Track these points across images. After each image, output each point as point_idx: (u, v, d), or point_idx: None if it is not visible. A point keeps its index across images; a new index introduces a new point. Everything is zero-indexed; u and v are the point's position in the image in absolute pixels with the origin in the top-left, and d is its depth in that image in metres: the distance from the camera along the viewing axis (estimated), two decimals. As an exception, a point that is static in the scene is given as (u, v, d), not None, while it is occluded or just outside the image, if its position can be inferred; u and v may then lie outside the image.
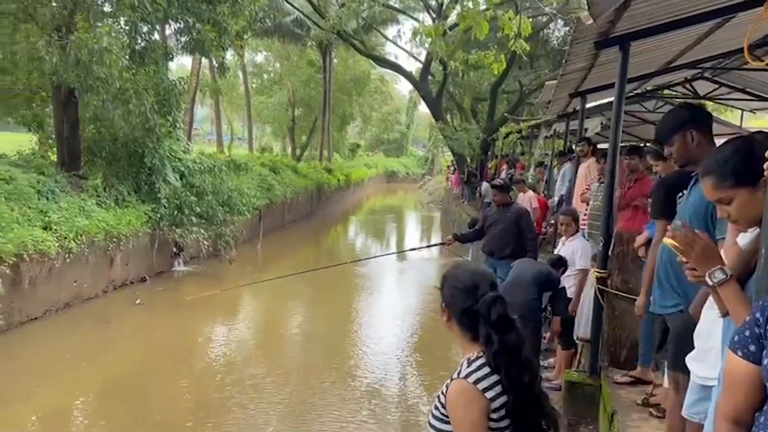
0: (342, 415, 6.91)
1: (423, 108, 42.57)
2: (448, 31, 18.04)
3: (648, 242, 4.38)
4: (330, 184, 30.21)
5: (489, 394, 1.90)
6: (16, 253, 8.89)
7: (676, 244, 1.85)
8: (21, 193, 10.03)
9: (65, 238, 10.12)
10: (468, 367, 1.95)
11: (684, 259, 1.89)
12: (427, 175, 54.37)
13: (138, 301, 11.37)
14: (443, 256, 15.40)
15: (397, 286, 14.25)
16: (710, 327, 2.38)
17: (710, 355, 2.37)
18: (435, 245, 10.06)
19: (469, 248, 13.82)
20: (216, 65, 17.08)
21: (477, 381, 1.91)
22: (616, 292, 4.87)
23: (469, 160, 27.24)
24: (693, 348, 2.67)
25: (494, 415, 1.91)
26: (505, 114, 24.83)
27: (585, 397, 4.71)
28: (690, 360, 2.58)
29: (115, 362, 8.82)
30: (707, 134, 3.15)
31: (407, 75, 28.35)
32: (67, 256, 10.15)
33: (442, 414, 1.96)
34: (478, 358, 1.97)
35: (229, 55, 22.15)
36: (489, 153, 25.94)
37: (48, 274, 9.80)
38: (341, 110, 38.39)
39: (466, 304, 2.00)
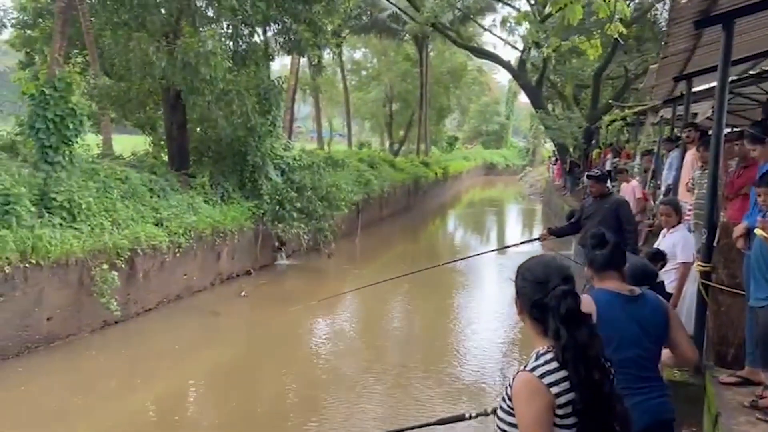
0: (438, 413, 6.92)
1: (523, 98, 41.65)
2: (537, 16, 17.48)
3: (748, 233, 4.11)
4: (427, 177, 30.20)
5: (555, 390, 1.85)
6: (131, 248, 9.53)
7: (766, 235, 1.69)
8: (135, 191, 10.73)
9: (175, 233, 10.73)
10: (535, 360, 1.92)
11: None
12: (527, 166, 53.12)
13: (243, 294, 11.86)
14: (545, 250, 15.03)
15: (494, 282, 14.05)
16: None
17: None
18: (529, 241, 9.79)
19: (571, 241, 13.41)
20: (314, 64, 17.49)
21: (543, 375, 1.87)
22: (722, 286, 4.56)
23: (571, 149, 26.38)
24: None
25: (560, 411, 1.86)
26: (610, 101, 23.86)
27: (688, 397, 4.44)
28: None
29: (223, 352, 9.26)
30: None
31: (505, 64, 27.82)
32: (177, 250, 10.75)
33: (509, 406, 1.94)
34: (547, 352, 1.92)
35: (327, 54, 22.65)
36: (593, 142, 25.01)
37: (160, 267, 10.42)
38: (438, 103, 38.26)
39: (536, 297, 1.97)
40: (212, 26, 13.56)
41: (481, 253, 11.76)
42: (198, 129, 14.30)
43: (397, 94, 36.10)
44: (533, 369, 1.90)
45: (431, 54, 34.41)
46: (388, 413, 6.83)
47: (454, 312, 11.36)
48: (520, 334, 9.45)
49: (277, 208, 13.93)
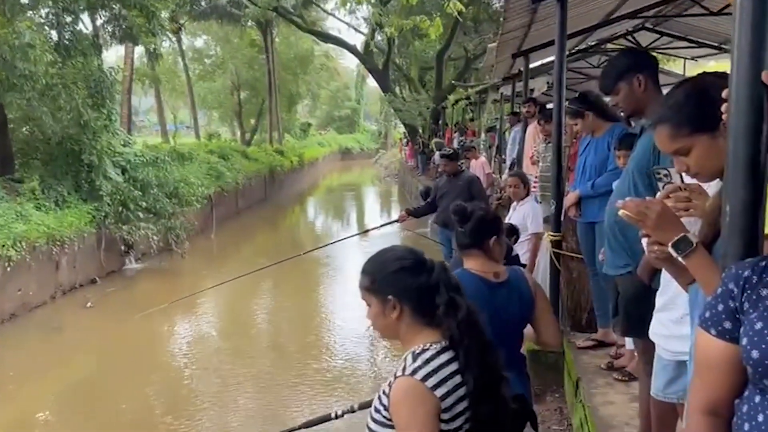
0: (314, 401, 6.75)
1: (372, 82, 42.11)
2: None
3: (579, 201, 4.30)
4: (283, 166, 29.70)
5: (440, 392, 1.67)
6: (-52, 267, 8.40)
7: (630, 215, 1.63)
8: (-51, 202, 9.46)
9: (3, 246, 9.60)
10: (413, 362, 1.71)
11: (644, 232, 1.67)
12: (381, 149, 54.04)
13: (89, 304, 10.95)
14: (403, 230, 15.25)
15: (358, 268, 14.05)
16: (677, 297, 2.22)
17: (682, 327, 2.20)
18: (389, 223, 9.82)
19: (428, 221, 13.68)
20: (150, 52, 16.42)
21: (425, 377, 1.67)
22: (572, 254, 4.75)
23: (421, 130, 27.09)
24: (642, 312, 2.52)
25: (445, 416, 1.69)
26: (453, 81, 24.71)
27: (548, 364, 4.59)
28: (658, 336, 2.41)
29: (73, 370, 8.49)
30: (654, 80, 2.95)
31: (351, 49, 27.94)
32: (7, 264, 9.65)
33: (384, 417, 1.72)
34: (424, 350, 1.73)
35: (165, 42, 21.43)
36: (440, 122, 25.81)
37: (-12, 285, 9.31)
38: (288, 90, 37.70)
39: (421, 281, 1.79)
40: (29, 15, 12.24)
41: (343, 239, 11.63)
42: (24, 129, 12.92)
43: (245, 81, 35.09)
44: (414, 372, 1.69)
45: (276, 40, 33.76)
46: (257, 418, 6.55)
47: (319, 303, 11.23)
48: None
49: (120, 209, 12.95)
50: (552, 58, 9.31)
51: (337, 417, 2.86)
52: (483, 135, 15.69)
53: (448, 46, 23.33)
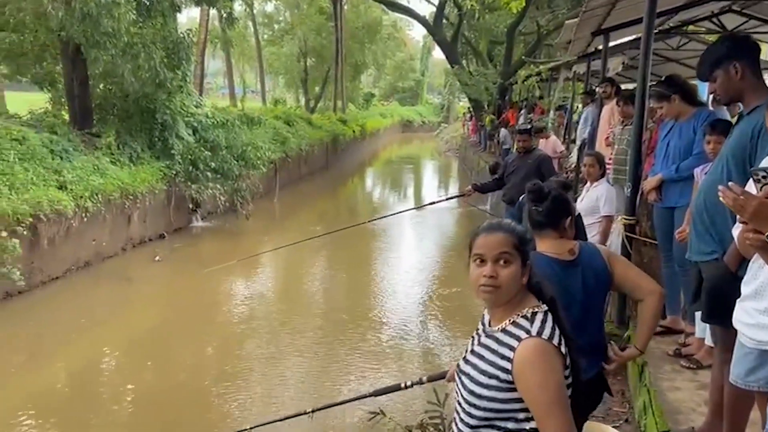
0: (364, 367, 6.88)
1: (438, 54, 41.71)
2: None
3: (660, 186, 4.21)
4: (345, 135, 29.88)
5: (563, 349, 1.75)
6: (32, 214, 8.85)
7: (731, 203, 1.62)
8: (34, 153, 9.93)
9: (81, 197, 10.06)
10: (534, 323, 1.74)
11: (741, 219, 1.66)
12: (443, 123, 53.65)
13: (157, 258, 11.38)
14: (461, 206, 15.22)
15: (416, 239, 14.13)
16: (766, 287, 2.19)
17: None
18: (454, 197, 9.79)
19: (487, 198, 13.59)
20: (224, 16, 16.64)
21: (551, 336, 1.72)
22: (645, 239, 4.68)
23: (486, 105, 26.73)
24: (726, 300, 2.49)
25: (565, 372, 1.76)
26: (523, 57, 24.19)
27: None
28: (742, 324, 2.38)
29: (138, 320, 8.87)
30: (754, 68, 2.85)
31: (421, 19, 27.65)
32: (84, 215, 10.11)
33: (503, 380, 1.72)
34: (535, 313, 1.78)
35: (238, 6, 21.69)
36: (506, 98, 25.40)
37: (66, 233, 9.78)
38: (354, 59, 37.75)
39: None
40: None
41: (402, 211, 11.69)
42: (102, 85, 13.37)
43: (312, 48, 35.26)
44: (539, 333, 1.71)
45: (345, 8, 33.73)
46: (314, 384, 6.70)
47: (373, 273, 11.29)
48: (446, 294, 9.53)
49: (191, 168, 13.34)
50: (630, 37, 9.05)
51: (406, 387, 2.94)
52: (552, 113, 15.37)
53: (521, 20, 22.82)
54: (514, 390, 1.71)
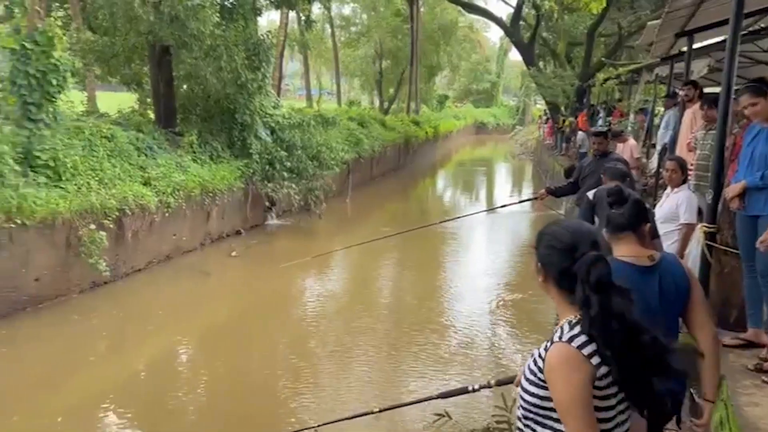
0: (430, 370, 6.90)
1: (514, 55, 41.16)
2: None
3: (743, 193, 4.03)
4: (418, 136, 29.93)
5: (594, 360, 1.72)
6: (118, 208, 9.35)
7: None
8: (122, 150, 10.47)
9: (164, 193, 10.54)
10: (570, 330, 1.78)
11: None
12: (518, 125, 52.83)
13: (233, 254, 11.75)
14: (535, 210, 14.99)
15: (487, 242, 14.02)
16: None
17: None
18: (527, 200, 9.65)
19: (562, 201, 13.34)
20: (303, 19, 17.01)
21: (581, 345, 1.73)
22: (726, 248, 4.49)
23: (563, 108, 26.18)
24: None
25: (600, 383, 1.74)
26: (602, 59, 23.56)
27: (690, 360, 4.40)
28: None
29: (214, 312, 9.19)
30: None
31: (497, 21, 27.38)
32: (166, 210, 10.57)
33: (540, 379, 1.79)
34: (580, 320, 1.79)
35: (317, 8, 22.11)
36: (584, 100, 24.81)
37: (149, 227, 10.25)
38: (429, 61, 37.72)
39: (564, 265, 1.82)
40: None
41: (475, 213, 11.65)
42: (185, 86, 13.93)
43: (387, 50, 35.47)
44: (570, 339, 1.75)
45: (422, 10, 33.75)
46: (381, 384, 6.77)
47: (442, 275, 11.28)
48: (516, 299, 9.42)
49: (267, 167, 13.72)
50: (716, 39, 8.67)
51: (474, 390, 2.94)
52: (632, 116, 14.91)
53: (601, 21, 22.24)
54: (546, 389, 1.78)
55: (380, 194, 21.01)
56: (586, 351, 1.72)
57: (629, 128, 12.84)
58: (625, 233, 2.55)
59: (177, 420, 5.95)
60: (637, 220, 2.55)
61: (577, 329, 1.77)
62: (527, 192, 22.46)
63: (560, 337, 1.77)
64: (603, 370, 1.73)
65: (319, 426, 3.62)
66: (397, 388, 6.57)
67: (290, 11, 17.26)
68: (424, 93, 38.94)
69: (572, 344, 1.74)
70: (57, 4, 14.80)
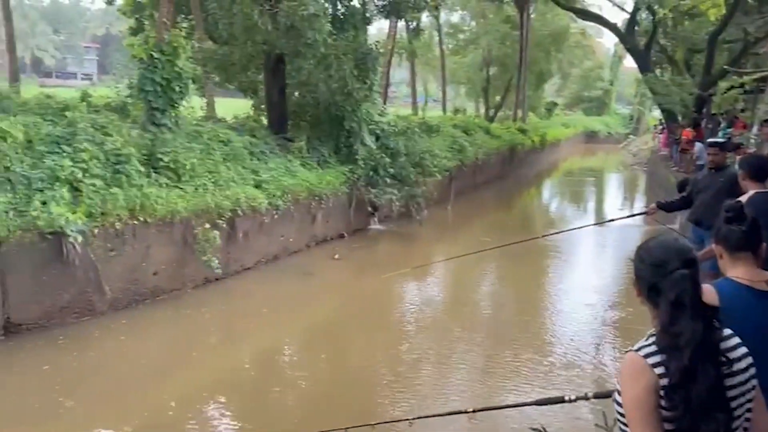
0: (526, 380, 6.79)
1: (629, 62, 39.57)
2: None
3: None
4: (524, 144, 29.42)
5: (658, 370, 1.77)
6: (231, 209, 9.86)
7: None
8: (236, 153, 11.05)
9: (273, 195, 11.00)
10: (645, 340, 1.87)
11: None
12: (631, 134, 50.70)
13: (336, 256, 12.05)
14: (647, 224, 14.34)
15: (592, 256, 13.56)
16: None
17: None
18: (636, 215, 9.26)
19: (676, 216, 12.69)
20: (411, 27, 17.23)
21: (648, 355, 1.81)
22: None
23: (680, 118, 24.88)
24: None
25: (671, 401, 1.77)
26: (725, 66, 22.21)
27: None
28: None
29: (316, 313, 9.48)
30: None
31: (612, 27, 26.43)
32: (275, 212, 11.03)
33: (618, 392, 1.89)
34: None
35: (425, 17, 22.30)
36: (704, 110, 23.47)
37: (259, 228, 10.73)
38: (538, 68, 37.06)
39: (653, 280, 1.88)
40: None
41: (582, 227, 11.29)
42: (297, 93, 14.49)
43: (495, 58, 35.16)
44: (639, 349, 1.84)
45: (532, 16, 33.21)
46: (478, 390, 6.74)
47: (544, 290, 11.01)
48: (620, 316, 9.09)
49: (371, 173, 13.99)
50: None
51: (570, 401, 2.92)
52: (755, 128, 13.98)
53: (725, 27, 20.95)
54: None
55: (482, 203, 20.84)
56: (651, 360, 1.79)
57: (752, 141, 12.05)
58: (743, 253, 2.44)
59: (278, 411, 6.20)
60: (758, 240, 2.43)
61: (651, 340, 1.86)
62: (639, 205, 21.52)
63: (633, 347, 1.87)
64: (665, 381, 1.77)
65: (413, 419, 3.67)
66: (493, 394, 6.54)
67: (399, 20, 17.53)
68: (531, 100, 38.29)
69: (639, 353, 1.82)
70: (182, 15, 15.80)
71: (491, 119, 33.39)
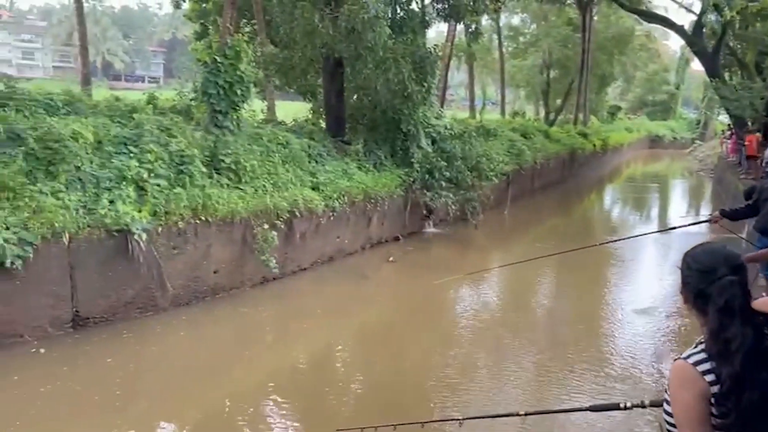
0: (585, 395, 6.68)
1: (696, 65, 38.30)
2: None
3: None
4: (584, 149, 28.86)
5: (709, 378, 1.78)
6: (289, 210, 10.05)
7: None
8: (294, 156, 11.25)
9: (330, 197, 11.16)
10: (693, 348, 1.88)
11: None
12: (697, 140, 49.05)
13: (391, 259, 12.11)
14: (713, 232, 13.84)
15: (654, 265, 13.19)
16: None
17: None
18: (699, 222, 8.94)
19: (744, 223, 12.21)
20: (470, 30, 17.17)
21: (698, 362, 1.81)
22: None
23: (750, 123, 23.93)
24: None
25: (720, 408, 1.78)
26: (799, 69, 21.27)
27: None
28: None
29: (370, 314, 9.57)
30: None
31: (678, 29, 25.66)
32: (331, 214, 11.18)
33: (667, 401, 1.90)
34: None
35: (485, 20, 22.16)
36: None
37: (315, 229, 10.90)
38: (600, 71, 36.34)
39: (701, 287, 1.89)
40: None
41: (643, 234, 10.99)
42: (355, 97, 14.64)
43: (556, 60, 34.65)
44: (688, 356, 1.85)
45: (595, 18, 32.56)
46: (529, 396, 6.66)
47: (607, 296, 10.77)
48: (680, 325, 8.82)
49: (427, 176, 13.99)
50: None
51: (625, 408, 2.89)
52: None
53: (800, 28, 20.09)
54: None
55: (540, 208, 20.56)
56: (701, 368, 1.80)
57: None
58: None
59: (331, 410, 6.28)
60: None
61: (700, 347, 1.87)
62: (704, 213, 20.78)
63: (681, 355, 1.88)
64: (716, 388, 1.77)
65: (463, 419, 3.68)
66: (543, 404, 6.44)
67: (458, 24, 17.49)
68: (593, 104, 37.58)
69: (689, 360, 1.83)
70: (245, 20, 16.20)
71: (551, 123, 32.89)
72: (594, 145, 30.55)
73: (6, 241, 6.56)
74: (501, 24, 33.57)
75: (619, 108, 48.50)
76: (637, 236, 11.04)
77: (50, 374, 6.53)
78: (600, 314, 9.67)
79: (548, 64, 34.86)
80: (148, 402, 6.26)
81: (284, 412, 6.25)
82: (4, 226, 6.68)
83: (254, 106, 12.71)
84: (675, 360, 1.88)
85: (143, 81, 73.28)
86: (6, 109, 8.35)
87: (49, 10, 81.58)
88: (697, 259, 1.94)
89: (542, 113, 37.15)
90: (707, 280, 1.86)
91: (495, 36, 33.85)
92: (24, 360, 6.74)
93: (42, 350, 6.96)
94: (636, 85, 56.83)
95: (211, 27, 17.60)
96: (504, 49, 34.53)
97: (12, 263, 6.59)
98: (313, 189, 11.03)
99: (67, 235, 7.23)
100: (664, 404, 1.92)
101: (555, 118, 34.86)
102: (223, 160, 9.62)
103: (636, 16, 29.76)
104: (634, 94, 58.99)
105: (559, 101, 36.48)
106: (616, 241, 11.42)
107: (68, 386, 6.40)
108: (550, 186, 24.03)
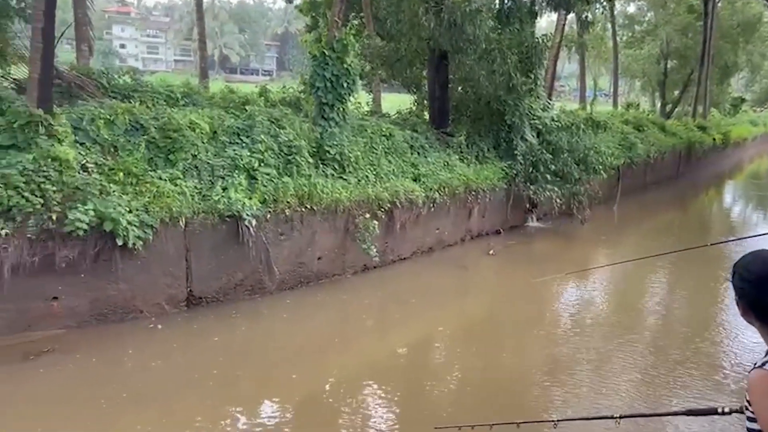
0: (686, 400, 6.40)
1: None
2: None
3: None
4: (703, 143, 27.22)
5: None
6: (390, 201, 10.23)
7: None
8: (397, 147, 11.42)
9: (431, 189, 11.24)
10: (766, 356, 1.86)
11: None
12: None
13: (491, 252, 12.03)
14: None
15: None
16: None
17: None
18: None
19: None
20: (582, 19, 16.64)
21: None
22: None
23: None
24: None
25: None
26: None
27: None
28: None
29: (468, 306, 9.60)
30: None
31: (814, 14, 23.65)
32: (431, 205, 11.26)
33: (750, 411, 1.87)
34: None
35: (597, 9, 21.37)
36: None
37: (415, 220, 11.01)
38: (723, 60, 34.06)
39: (759, 296, 1.88)
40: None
41: (759, 235, 10.27)
42: (459, 88, 14.59)
43: (674, 50, 32.84)
44: (764, 364, 1.84)
45: (719, 5, 30.56)
46: (629, 398, 6.44)
47: (717, 300, 10.18)
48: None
49: (531, 169, 13.75)
50: None
51: (723, 413, 2.78)
52: None
53: None
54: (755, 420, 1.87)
55: (652, 204, 19.63)
56: None
57: None
58: None
59: (428, 400, 6.37)
60: None
61: (764, 355, 1.87)
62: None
63: (756, 364, 1.88)
64: None
65: (558, 421, 3.65)
66: (646, 400, 6.26)
67: (568, 13, 16.99)
68: (715, 95, 35.33)
69: (765, 367, 1.83)
70: (354, 13, 16.51)
71: (668, 115, 31.28)
72: (714, 140, 28.76)
73: (129, 223, 7.12)
74: (615, 12, 32.22)
75: (743, 100, 45.26)
76: (752, 237, 10.31)
77: (162, 350, 7.03)
78: (709, 319, 9.18)
79: (666, 54, 33.11)
80: (254, 380, 6.59)
81: (381, 399, 6.39)
82: (128, 209, 7.23)
83: (360, 99, 12.96)
84: (753, 369, 1.87)
85: (257, 74, 76.36)
86: (131, 100, 9.01)
87: (172, 7, 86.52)
88: (749, 269, 1.91)
89: (658, 105, 35.36)
90: (765, 289, 1.84)
91: (608, 25, 32.53)
92: (141, 335, 7.29)
93: (159, 326, 7.51)
94: (763, 76, 52.79)
95: (321, 20, 18.05)
96: (618, 39, 33.10)
97: (134, 244, 7.14)
98: (414, 180, 11.14)
99: (183, 219, 7.74)
100: (747, 423, 1.90)
101: (672, 111, 33.11)
102: (328, 151, 9.92)
103: (766, 1, 27.65)
104: (761, 85, 54.86)
105: (676, 92, 34.60)
106: (732, 241, 10.73)
107: (179, 362, 6.87)
108: (663, 181, 22.89)
